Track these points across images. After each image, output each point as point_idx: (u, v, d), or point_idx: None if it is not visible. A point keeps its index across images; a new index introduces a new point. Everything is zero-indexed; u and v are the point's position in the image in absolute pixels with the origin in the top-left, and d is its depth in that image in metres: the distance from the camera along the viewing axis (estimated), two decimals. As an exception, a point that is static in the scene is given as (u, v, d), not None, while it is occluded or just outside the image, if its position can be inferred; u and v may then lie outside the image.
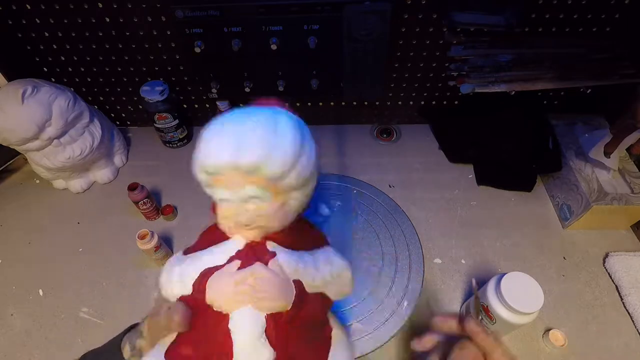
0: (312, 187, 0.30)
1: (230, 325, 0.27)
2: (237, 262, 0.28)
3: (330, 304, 0.32)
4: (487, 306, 0.44)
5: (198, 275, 0.29)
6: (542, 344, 0.49)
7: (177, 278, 0.30)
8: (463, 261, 0.58)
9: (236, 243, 0.30)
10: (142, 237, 0.53)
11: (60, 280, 0.56)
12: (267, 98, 0.31)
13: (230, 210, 0.28)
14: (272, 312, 0.27)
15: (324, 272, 0.31)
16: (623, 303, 0.53)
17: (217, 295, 0.27)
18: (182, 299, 0.30)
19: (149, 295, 0.55)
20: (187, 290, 0.30)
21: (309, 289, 0.30)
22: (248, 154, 0.25)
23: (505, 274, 0.43)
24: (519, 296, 0.41)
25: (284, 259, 0.30)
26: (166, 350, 0.29)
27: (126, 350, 0.35)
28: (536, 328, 0.51)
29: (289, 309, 0.28)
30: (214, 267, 0.29)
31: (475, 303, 0.43)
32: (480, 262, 0.58)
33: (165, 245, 0.56)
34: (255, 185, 0.26)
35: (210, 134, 0.27)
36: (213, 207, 0.31)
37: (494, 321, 0.43)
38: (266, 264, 0.28)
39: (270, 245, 0.30)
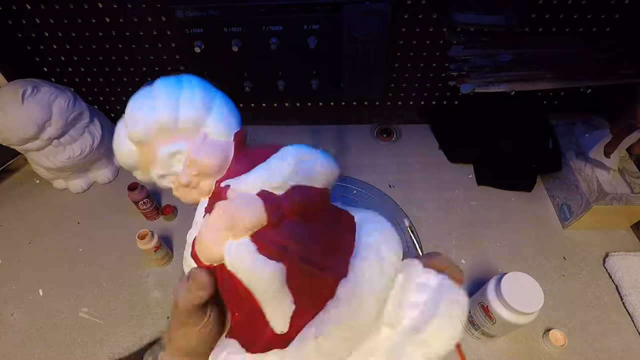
0: (220, 108, 0.30)
1: (228, 267, 0.25)
2: (206, 215, 0.28)
3: (324, 193, 0.30)
4: (487, 306, 0.44)
5: (189, 249, 0.28)
6: (542, 344, 0.49)
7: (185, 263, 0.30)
8: (463, 261, 0.58)
9: (203, 205, 0.29)
10: (142, 237, 0.53)
11: (60, 280, 0.56)
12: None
13: (173, 182, 0.29)
14: (253, 231, 0.25)
15: (281, 168, 0.28)
16: (623, 303, 0.53)
17: (201, 251, 0.27)
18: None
19: (149, 295, 0.55)
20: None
21: (279, 190, 0.27)
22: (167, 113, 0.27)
23: (505, 274, 0.43)
24: (519, 296, 0.41)
25: (238, 183, 0.28)
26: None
27: None
28: (536, 328, 0.51)
29: (266, 219, 0.25)
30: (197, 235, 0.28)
31: None
32: (480, 262, 0.58)
33: (165, 245, 0.56)
34: (168, 143, 0.28)
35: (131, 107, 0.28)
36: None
37: (494, 321, 0.43)
38: (224, 198, 0.27)
39: (223, 183, 0.29)
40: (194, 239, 0.27)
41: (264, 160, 0.30)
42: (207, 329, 0.30)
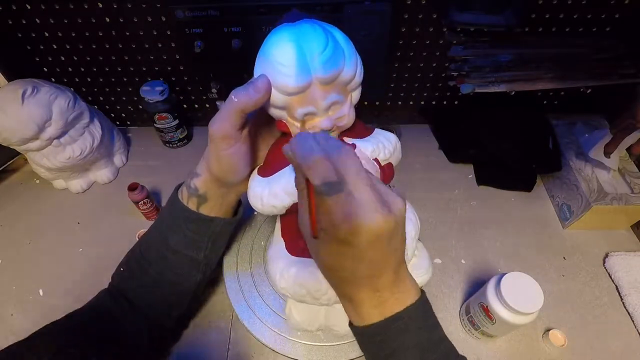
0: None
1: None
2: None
3: (393, 173, 0.41)
4: (486, 306, 0.44)
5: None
6: (542, 344, 0.49)
7: (269, 200, 0.34)
8: (463, 261, 0.58)
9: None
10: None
11: (60, 280, 0.56)
12: (295, 13, 0.34)
13: (315, 119, 0.33)
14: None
15: (387, 147, 0.38)
16: (623, 303, 0.53)
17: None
18: None
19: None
20: (284, 202, 0.35)
21: (382, 162, 0.37)
22: (335, 65, 0.30)
23: (505, 274, 0.43)
24: (519, 296, 0.41)
25: (362, 146, 0.36)
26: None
27: (184, 195, 0.41)
28: (536, 328, 0.51)
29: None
30: None
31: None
32: (480, 262, 0.58)
33: (165, 245, 0.56)
34: (334, 92, 0.32)
35: (285, 55, 0.29)
36: (279, 124, 0.35)
37: (494, 321, 0.43)
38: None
39: (349, 140, 0.36)
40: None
41: (364, 129, 0.39)
42: (240, 151, 0.35)
